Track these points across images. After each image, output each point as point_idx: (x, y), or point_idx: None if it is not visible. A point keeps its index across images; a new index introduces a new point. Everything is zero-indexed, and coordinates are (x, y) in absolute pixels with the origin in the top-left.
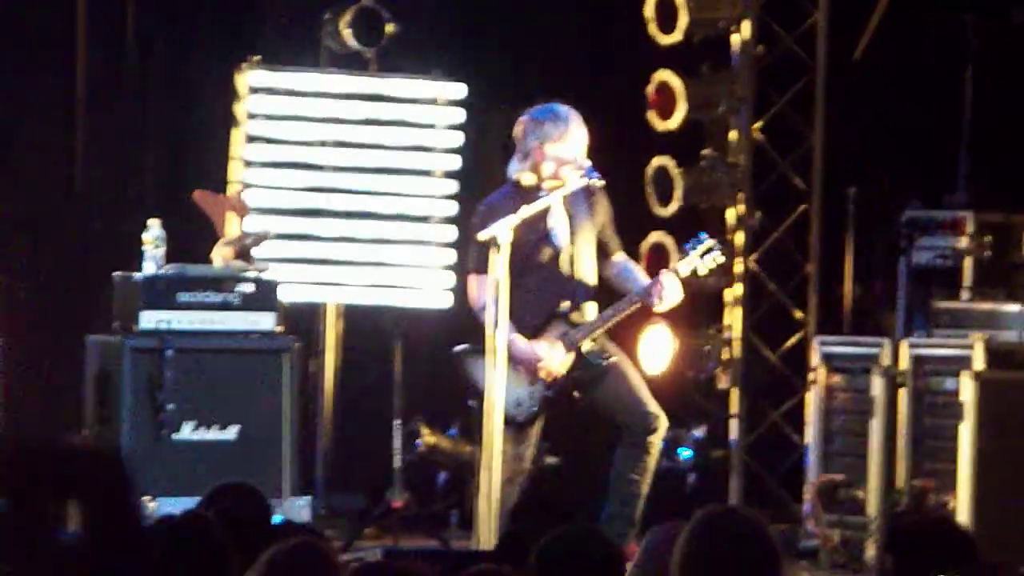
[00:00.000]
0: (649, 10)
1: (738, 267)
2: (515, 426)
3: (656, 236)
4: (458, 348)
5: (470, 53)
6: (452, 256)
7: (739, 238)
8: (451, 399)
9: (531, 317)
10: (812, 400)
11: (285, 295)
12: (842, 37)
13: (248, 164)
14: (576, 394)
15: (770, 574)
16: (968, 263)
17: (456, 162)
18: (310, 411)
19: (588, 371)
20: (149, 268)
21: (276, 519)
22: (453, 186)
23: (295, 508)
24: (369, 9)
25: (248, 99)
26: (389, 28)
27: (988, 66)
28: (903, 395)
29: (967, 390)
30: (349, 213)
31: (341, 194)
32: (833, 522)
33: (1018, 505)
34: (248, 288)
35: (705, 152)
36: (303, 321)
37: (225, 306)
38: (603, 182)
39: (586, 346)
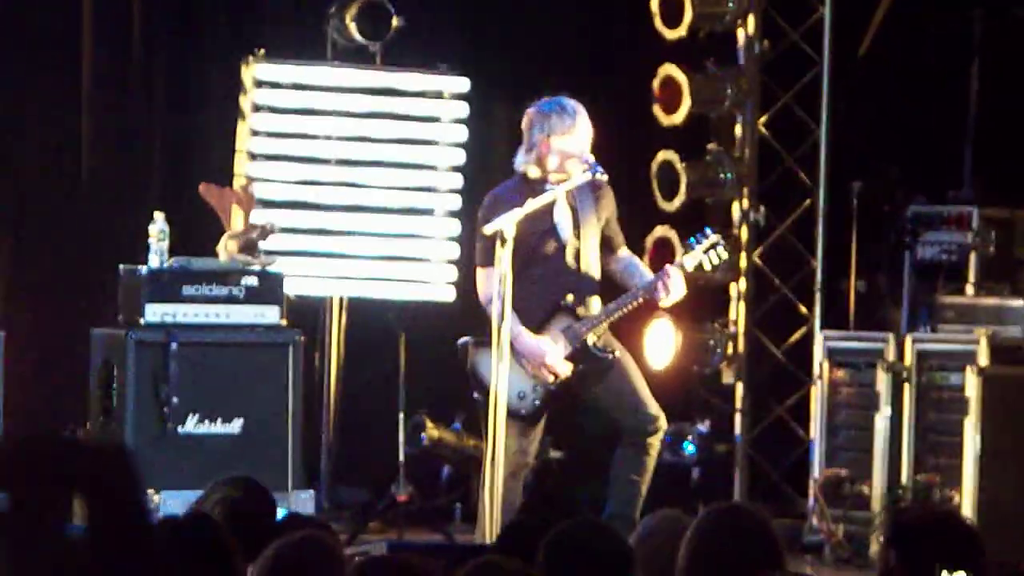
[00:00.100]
0: (655, 4)
1: (743, 262)
2: (519, 420)
3: (661, 230)
4: (464, 339)
5: (476, 47)
6: (456, 250)
7: (744, 233)
8: (455, 393)
9: (536, 310)
10: (816, 395)
11: (290, 288)
12: (848, 32)
13: (253, 157)
14: (578, 388)
15: (774, 570)
16: (973, 258)
17: (461, 156)
18: (314, 405)
19: (592, 365)
20: (154, 261)
21: (282, 512)
22: (458, 180)
23: (299, 501)
24: (375, 3)
25: (253, 92)
26: (395, 22)
27: (993, 62)
28: (907, 390)
29: (971, 385)
30: (353, 207)
31: (346, 187)
32: (837, 517)
33: (1022, 500)
34: (253, 281)
35: (710, 147)
36: (308, 314)
37: (230, 299)
38: (606, 177)
39: (590, 340)
